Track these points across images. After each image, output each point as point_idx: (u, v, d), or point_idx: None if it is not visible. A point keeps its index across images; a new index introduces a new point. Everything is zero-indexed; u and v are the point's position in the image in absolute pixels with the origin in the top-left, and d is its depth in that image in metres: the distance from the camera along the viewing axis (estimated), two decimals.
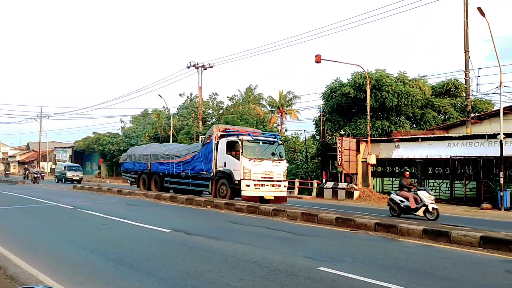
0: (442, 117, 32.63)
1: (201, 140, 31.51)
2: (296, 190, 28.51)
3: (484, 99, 32.21)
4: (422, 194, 14.15)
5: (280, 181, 17.44)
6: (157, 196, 19.18)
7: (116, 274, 6.20)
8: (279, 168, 17.46)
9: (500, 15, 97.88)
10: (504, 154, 20.17)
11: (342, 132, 28.97)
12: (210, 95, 49.60)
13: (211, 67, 39.26)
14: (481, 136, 23.06)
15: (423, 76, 33.15)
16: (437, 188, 24.63)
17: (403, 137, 26.61)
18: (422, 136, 25.92)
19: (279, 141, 18.42)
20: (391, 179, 27.06)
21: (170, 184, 21.25)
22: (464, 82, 27.14)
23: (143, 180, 23.48)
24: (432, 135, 25.92)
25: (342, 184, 26.19)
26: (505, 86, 21.63)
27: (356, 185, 26.24)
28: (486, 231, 9.91)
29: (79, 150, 63.56)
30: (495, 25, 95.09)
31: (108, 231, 10.26)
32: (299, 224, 12.01)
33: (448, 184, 23.75)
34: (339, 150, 26.41)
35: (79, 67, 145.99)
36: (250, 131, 18.60)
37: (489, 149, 22.09)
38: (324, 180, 28.06)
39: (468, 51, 25.27)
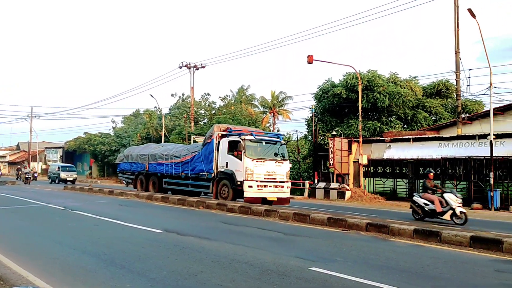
0: (433, 118, 32.90)
1: (194, 141, 31.66)
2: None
3: (474, 100, 32.52)
4: (449, 197, 13.32)
5: (283, 182, 17.06)
6: (149, 196, 19.10)
7: (108, 274, 6.17)
8: (282, 169, 17.11)
9: (503, 15, 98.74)
10: (494, 155, 20.35)
11: (334, 133, 29.08)
12: (202, 95, 49.54)
13: (203, 67, 39.21)
14: (472, 137, 23.26)
15: (415, 77, 33.41)
16: None
17: (395, 137, 26.76)
18: (413, 136, 26.09)
19: (282, 141, 18.11)
20: (382, 179, 27.21)
21: (169, 185, 20.82)
22: (455, 83, 27.35)
23: (141, 181, 22.99)
24: (423, 136, 26.10)
25: (334, 185, 26.27)
26: (495, 87, 21.88)
27: (348, 185, 26.35)
28: (476, 231, 10.00)
29: (70, 150, 63.16)
30: (496, 25, 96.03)
31: (99, 232, 10.21)
32: (291, 224, 12.03)
33: (439, 184, 23.88)
34: (331, 151, 26.49)
35: (70, 66, 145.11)
36: (252, 131, 18.27)
37: (480, 150, 22.28)
38: (316, 181, 28.12)
39: (459, 52, 25.48)
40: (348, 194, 25.10)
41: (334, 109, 32.19)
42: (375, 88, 29.84)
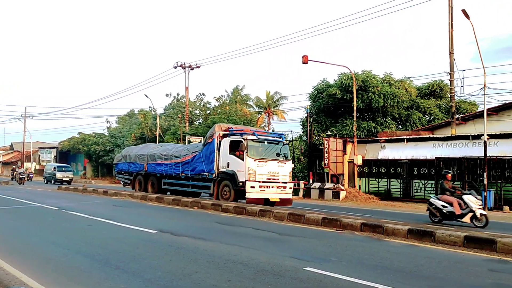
0: (427, 118, 33.07)
1: (188, 141, 31.58)
2: None
3: (468, 101, 32.72)
4: (468, 198, 12.85)
5: (286, 182, 16.81)
6: (143, 196, 19.05)
7: (102, 275, 6.15)
8: (285, 169, 16.85)
9: (503, 14, 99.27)
10: (487, 155, 20.46)
11: (329, 133, 29.15)
12: (197, 96, 49.52)
13: (198, 67, 39.19)
14: (466, 137, 23.40)
15: (409, 78, 33.58)
16: (422, 188, 24.92)
17: (389, 137, 26.88)
18: (408, 137, 26.21)
19: (284, 141, 17.87)
20: (377, 179, 27.30)
21: (168, 186, 20.51)
22: (449, 84, 27.50)
23: (139, 182, 22.63)
24: (418, 136, 26.23)
25: (328, 185, 26.33)
26: (489, 88, 22.01)
27: (343, 185, 26.42)
28: (470, 230, 10.05)
29: (64, 150, 62.90)
30: (490, 26, 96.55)
31: (93, 232, 10.17)
32: (285, 224, 12.04)
33: (433, 184, 24.02)
34: (326, 151, 26.56)
35: (64, 66, 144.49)
36: (254, 130, 18.02)
37: (473, 150, 22.41)
38: (311, 181, 28.18)
39: (453, 53, 25.63)
40: (342, 194, 25.17)
41: (329, 110, 32.26)
42: (370, 89, 29.94)
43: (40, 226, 11.40)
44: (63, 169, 41.97)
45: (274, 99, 50.13)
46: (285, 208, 14.06)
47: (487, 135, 20.48)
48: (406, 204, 22.88)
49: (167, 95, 53.74)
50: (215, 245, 8.53)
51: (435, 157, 23.67)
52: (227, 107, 43.89)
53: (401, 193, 25.88)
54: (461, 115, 29.40)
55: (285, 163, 16.96)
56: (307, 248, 8.66)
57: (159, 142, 37.06)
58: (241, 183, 16.11)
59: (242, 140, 16.30)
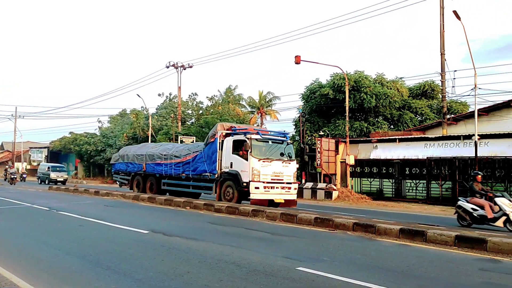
0: (419, 118, 33.28)
1: (181, 141, 31.50)
2: None
3: (459, 101, 32.99)
4: (501, 201, 12.21)
5: (290, 183, 16.43)
6: (135, 197, 18.96)
7: (93, 276, 6.11)
8: (289, 169, 16.47)
9: (502, 15, 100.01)
10: (478, 155, 20.62)
11: (321, 133, 29.22)
12: (189, 95, 49.45)
13: (191, 67, 39.12)
14: (457, 137, 23.58)
15: (401, 78, 33.80)
16: (414, 188, 25.06)
17: (381, 138, 27.01)
18: (400, 137, 26.35)
19: (288, 141, 17.52)
20: (369, 179, 27.40)
21: (168, 187, 19.98)
22: (440, 84, 27.69)
23: (137, 182, 22.03)
24: (409, 136, 26.38)
25: (321, 185, 26.38)
26: (479, 88, 22.17)
27: (335, 185, 26.49)
28: (461, 230, 10.12)
29: (55, 150, 62.52)
30: (482, 27, 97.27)
31: (85, 233, 10.10)
32: (278, 224, 12.04)
33: (425, 184, 24.18)
34: (318, 151, 26.61)
35: (55, 66, 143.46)
36: (258, 130, 17.69)
37: (464, 150, 22.59)
38: (303, 181, 28.21)
39: (444, 54, 25.81)
40: (335, 194, 25.23)
41: (321, 110, 32.35)
42: (362, 89, 30.07)
43: (30, 227, 11.30)
44: (58, 169, 40.81)
45: (267, 99, 50.14)
46: (277, 208, 14.01)
47: (478, 135, 20.63)
48: (398, 204, 23.00)
49: (159, 95, 53.65)
50: (207, 245, 8.50)
51: (427, 157, 23.81)
52: (219, 107, 43.85)
53: (393, 193, 26.01)
54: (452, 116, 29.64)
55: (289, 163, 16.58)
56: (299, 248, 8.66)
57: (151, 142, 36.93)
58: (245, 184, 15.71)
59: (246, 139, 15.93)
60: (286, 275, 6.23)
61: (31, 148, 69.73)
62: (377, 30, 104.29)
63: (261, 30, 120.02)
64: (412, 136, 26.30)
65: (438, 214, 18.35)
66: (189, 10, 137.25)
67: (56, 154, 63.52)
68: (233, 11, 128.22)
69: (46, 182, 38.17)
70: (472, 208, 12.71)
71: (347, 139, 27.13)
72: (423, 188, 24.36)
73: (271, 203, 15.87)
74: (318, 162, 26.67)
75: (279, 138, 17.21)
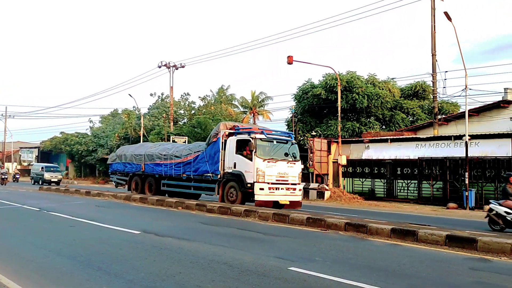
0: (410, 119, 33.50)
1: (173, 141, 31.40)
2: None
3: (450, 101, 33.26)
4: None
5: (295, 184, 16.04)
6: (127, 197, 18.87)
7: (84, 276, 6.07)
8: (294, 170, 16.06)
9: (502, 15, 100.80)
10: (469, 155, 20.79)
11: (314, 133, 29.30)
12: (181, 95, 49.27)
13: (183, 67, 39.03)
14: (448, 138, 23.75)
15: (392, 79, 33.98)
16: (406, 188, 25.20)
17: (373, 138, 27.13)
18: (391, 137, 26.48)
19: (293, 140, 17.09)
20: (361, 179, 27.51)
21: (168, 187, 19.47)
22: (431, 85, 27.88)
23: (136, 183, 21.39)
24: (401, 137, 26.53)
25: (313, 185, 26.44)
26: (470, 89, 22.35)
27: (327, 185, 26.56)
28: (451, 230, 10.19)
29: (45, 150, 62.06)
30: (473, 28, 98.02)
31: (75, 233, 10.03)
32: (270, 224, 12.05)
33: (416, 184, 24.33)
34: (311, 151, 26.65)
35: (46, 65, 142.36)
36: (263, 129, 17.18)
37: (455, 150, 22.75)
38: None
39: (436, 55, 26.01)
40: (327, 194, 25.29)
41: (313, 110, 32.43)
42: (354, 89, 30.19)
43: (20, 227, 11.20)
44: (52, 169, 39.77)
45: (259, 99, 50.17)
46: (269, 209, 13.99)
47: (469, 135, 20.80)
48: (389, 204, 23.12)
49: (151, 94, 53.38)
50: (199, 245, 8.49)
51: (418, 157, 23.96)
52: (212, 107, 43.78)
53: (385, 193, 26.14)
54: (443, 116, 29.86)
55: (294, 163, 16.20)
56: (291, 248, 8.67)
57: (143, 142, 36.78)
58: (249, 185, 15.25)
59: (251, 139, 15.47)
60: (278, 275, 6.23)
61: (21, 148, 69.19)
62: (370, 30, 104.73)
63: (254, 30, 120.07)
64: (404, 137, 26.46)
65: (430, 214, 18.46)
66: (182, 10, 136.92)
67: (47, 154, 63.07)
68: (226, 11, 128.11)
69: (40, 183, 37.31)
70: (506, 212, 12.03)
71: (339, 139, 27.22)
72: (415, 188, 24.50)
73: (275, 204, 15.55)
74: (311, 162, 26.71)
75: (284, 137, 16.83)
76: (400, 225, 10.60)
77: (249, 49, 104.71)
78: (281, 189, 15.65)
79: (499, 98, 28.04)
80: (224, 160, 16.35)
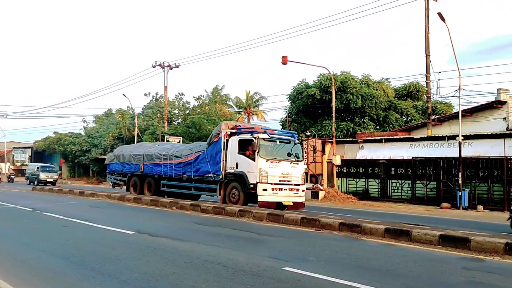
0: (404, 119, 33.66)
1: (167, 141, 31.29)
2: None
3: (444, 102, 33.45)
4: None
5: (298, 184, 15.76)
6: (120, 197, 18.80)
7: (77, 277, 6.04)
8: (297, 170, 15.78)
9: (502, 15, 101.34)
10: (462, 155, 20.90)
11: (308, 133, 29.34)
12: (176, 95, 49.18)
13: (177, 66, 38.95)
14: (441, 138, 23.87)
15: (387, 79, 34.12)
16: (399, 188, 25.29)
17: (367, 138, 27.22)
18: (385, 137, 26.58)
19: (296, 140, 16.77)
20: (355, 179, 27.58)
21: (168, 188, 19.14)
22: (425, 85, 28.02)
23: (134, 183, 21.00)
24: (395, 137, 26.63)
25: (307, 185, 26.38)
26: (463, 90, 22.49)
27: (322, 185, 26.60)
28: (445, 229, 10.24)
29: (39, 150, 61.72)
30: (467, 28, 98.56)
31: (69, 234, 9.98)
32: (265, 224, 12.05)
33: (410, 184, 24.42)
34: (305, 151, 26.68)
35: (39, 64, 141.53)
36: (266, 128, 16.90)
37: (449, 150, 22.87)
38: None
39: (429, 55, 26.13)
40: (321, 194, 25.33)
41: (308, 110, 32.48)
42: (349, 90, 30.27)
43: (13, 228, 11.13)
44: (47, 169, 39.22)
45: (254, 99, 50.20)
46: (263, 209, 13.98)
47: (462, 136, 20.92)
48: (383, 204, 23.20)
49: (145, 94, 53.29)
50: (193, 245, 8.47)
51: (412, 158, 24.06)
52: (206, 107, 43.74)
53: (379, 193, 26.22)
54: (437, 116, 30.03)
55: (297, 163, 15.94)
56: (285, 248, 8.68)
57: (137, 142, 36.66)
58: (252, 185, 15.01)
59: (254, 138, 15.23)
60: (272, 275, 6.23)
61: (14, 148, 68.77)
62: (364, 31, 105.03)
63: (249, 30, 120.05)
64: (398, 137, 26.57)
65: (423, 214, 18.55)
66: (176, 9, 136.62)
67: (40, 154, 62.74)
68: (221, 11, 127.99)
69: (35, 183, 36.58)
70: None
71: (334, 140, 27.28)
72: (408, 188, 24.60)
73: (278, 205, 15.41)
74: (305, 162, 26.75)
75: (287, 137, 16.56)
76: (394, 225, 10.63)
77: (243, 49, 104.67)
78: (284, 189, 15.42)
79: (492, 98, 28.24)
80: (226, 160, 16.09)
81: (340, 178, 28.05)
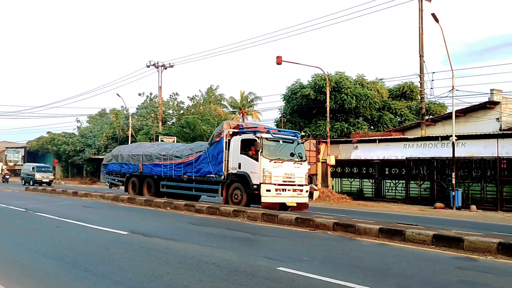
0: (398, 119, 33.79)
1: (161, 141, 31.19)
2: None
3: (437, 102, 33.61)
4: None
5: (302, 185, 15.57)
6: (114, 197, 18.72)
7: (70, 277, 6.00)
8: (301, 171, 15.59)
9: (502, 15, 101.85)
10: (456, 155, 21.01)
11: (303, 133, 29.32)
12: (170, 95, 49.11)
13: (172, 66, 38.86)
14: (435, 138, 23.98)
15: (381, 79, 34.25)
16: (393, 188, 25.37)
17: (361, 138, 27.29)
18: (380, 137, 26.65)
19: (299, 140, 16.56)
20: (349, 179, 27.64)
21: (168, 189, 18.85)
22: (419, 86, 28.14)
23: (133, 184, 20.65)
24: (389, 137, 26.71)
25: None
26: (457, 90, 22.58)
27: (316, 185, 26.62)
28: (438, 229, 10.28)
29: (32, 150, 61.31)
30: (461, 29, 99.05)
31: (62, 234, 9.92)
32: (259, 224, 12.04)
33: (404, 184, 24.50)
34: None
35: (32, 64, 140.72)
36: (269, 128, 16.61)
37: (442, 150, 22.98)
38: None
39: (423, 56, 26.24)
40: (316, 194, 25.35)
41: (302, 110, 32.52)
42: (343, 90, 30.33)
43: (6, 228, 11.06)
44: (43, 169, 38.55)
45: (249, 100, 50.18)
46: (258, 209, 13.96)
47: (455, 136, 21.03)
48: (377, 204, 23.27)
49: (139, 94, 53.03)
50: (188, 246, 8.46)
51: (406, 158, 24.15)
52: (201, 107, 43.67)
53: (373, 193, 26.29)
54: (431, 117, 30.16)
55: (301, 164, 15.73)
56: (280, 248, 8.68)
57: (131, 142, 36.54)
58: (255, 186, 14.73)
59: (257, 138, 14.97)
60: (266, 275, 6.23)
61: (7, 148, 68.30)
62: (359, 31, 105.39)
63: (243, 30, 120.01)
64: (392, 137, 26.65)
65: (417, 214, 18.62)
66: (171, 9, 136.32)
67: (33, 154, 62.34)
68: (215, 11, 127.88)
69: (31, 183, 35.99)
70: None
71: (328, 140, 27.32)
72: (402, 188, 24.68)
73: (282, 206, 15.21)
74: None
75: (290, 137, 16.28)
76: (388, 225, 10.66)
77: (238, 49, 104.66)
78: (288, 190, 15.19)
79: (485, 99, 28.39)
80: (228, 161, 15.82)
81: (334, 178, 28.10)
